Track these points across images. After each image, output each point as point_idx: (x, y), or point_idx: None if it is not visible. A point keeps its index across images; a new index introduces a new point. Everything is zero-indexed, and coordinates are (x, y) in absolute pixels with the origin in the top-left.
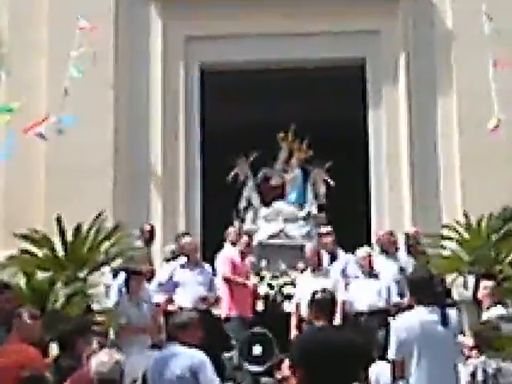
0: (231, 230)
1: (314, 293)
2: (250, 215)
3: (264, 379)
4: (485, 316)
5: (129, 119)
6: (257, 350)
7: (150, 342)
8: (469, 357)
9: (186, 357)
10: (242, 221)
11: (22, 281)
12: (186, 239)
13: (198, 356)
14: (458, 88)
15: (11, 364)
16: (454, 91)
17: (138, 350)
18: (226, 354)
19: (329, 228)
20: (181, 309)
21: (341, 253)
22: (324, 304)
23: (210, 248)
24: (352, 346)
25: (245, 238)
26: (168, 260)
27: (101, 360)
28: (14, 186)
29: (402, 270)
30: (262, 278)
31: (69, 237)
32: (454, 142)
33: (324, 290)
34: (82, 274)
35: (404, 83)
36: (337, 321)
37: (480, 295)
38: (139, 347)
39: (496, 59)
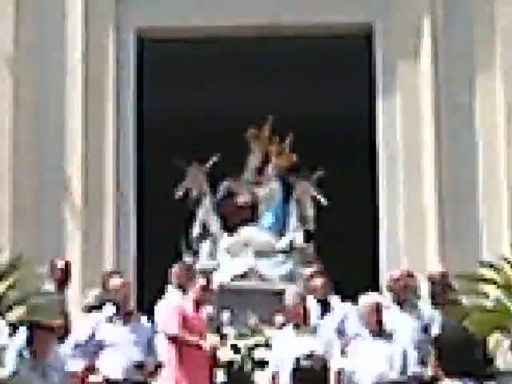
0: (179, 267)
1: (298, 359)
2: (206, 247)
3: None
4: None
5: (34, 109)
6: None
7: None
8: None
9: None
10: (195, 254)
11: None
12: (115, 281)
13: None
14: (504, 65)
15: None
16: (498, 70)
17: None
18: None
19: (319, 266)
20: (107, 381)
21: (336, 302)
22: (311, 375)
23: (149, 293)
24: None
25: (200, 280)
26: (89, 310)
27: None
28: None
29: (424, 327)
30: (223, 337)
31: None
32: (498, 145)
33: (311, 355)
34: None
35: (428, 59)
36: None
37: None
38: None
39: None
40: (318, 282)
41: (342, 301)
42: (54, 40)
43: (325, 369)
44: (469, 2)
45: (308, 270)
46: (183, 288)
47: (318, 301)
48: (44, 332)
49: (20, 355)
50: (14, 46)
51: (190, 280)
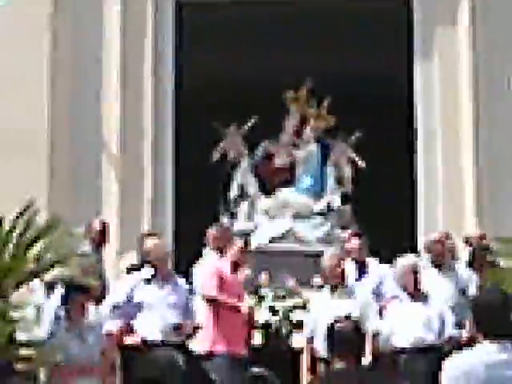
0: (216, 229)
1: (334, 321)
2: (244, 209)
3: None
4: None
5: (72, 73)
6: None
7: None
8: None
9: None
10: (233, 216)
11: None
12: (153, 242)
13: None
14: None
15: None
16: None
17: None
18: None
19: (357, 228)
20: (144, 342)
21: (374, 264)
22: (347, 337)
23: (186, 256)
24: None
25: (238, 242)
26: (127, 272)
27: None
28: None
29: (462, 290)
30: (260, 299)
31: None
32: None
33: (348, 317)
34: (2, 290)
35: (468, 23)
36: (366, 361)
37: None
38: None
39: None
40: (356, 244)
41: (380, 263)
42: (91, 12)
43: (360, 331)
44: None
45: (345, 232)
46: (220, 250)
47: (356, 263)
48: (80, 293)
49: (56, 316)
50: (52, 12)
51: (227, 242)
